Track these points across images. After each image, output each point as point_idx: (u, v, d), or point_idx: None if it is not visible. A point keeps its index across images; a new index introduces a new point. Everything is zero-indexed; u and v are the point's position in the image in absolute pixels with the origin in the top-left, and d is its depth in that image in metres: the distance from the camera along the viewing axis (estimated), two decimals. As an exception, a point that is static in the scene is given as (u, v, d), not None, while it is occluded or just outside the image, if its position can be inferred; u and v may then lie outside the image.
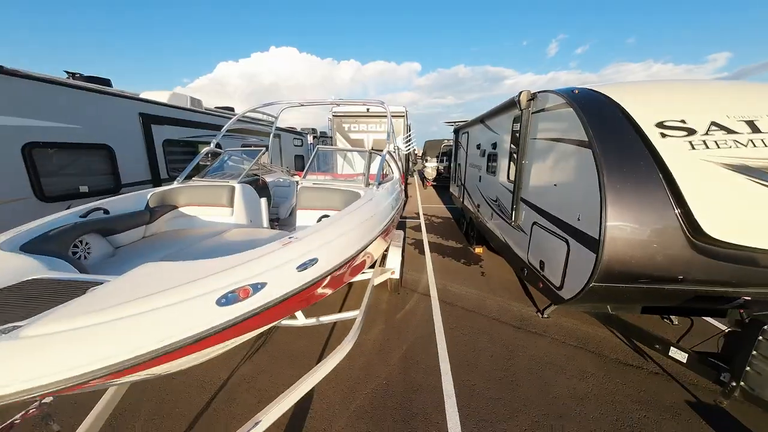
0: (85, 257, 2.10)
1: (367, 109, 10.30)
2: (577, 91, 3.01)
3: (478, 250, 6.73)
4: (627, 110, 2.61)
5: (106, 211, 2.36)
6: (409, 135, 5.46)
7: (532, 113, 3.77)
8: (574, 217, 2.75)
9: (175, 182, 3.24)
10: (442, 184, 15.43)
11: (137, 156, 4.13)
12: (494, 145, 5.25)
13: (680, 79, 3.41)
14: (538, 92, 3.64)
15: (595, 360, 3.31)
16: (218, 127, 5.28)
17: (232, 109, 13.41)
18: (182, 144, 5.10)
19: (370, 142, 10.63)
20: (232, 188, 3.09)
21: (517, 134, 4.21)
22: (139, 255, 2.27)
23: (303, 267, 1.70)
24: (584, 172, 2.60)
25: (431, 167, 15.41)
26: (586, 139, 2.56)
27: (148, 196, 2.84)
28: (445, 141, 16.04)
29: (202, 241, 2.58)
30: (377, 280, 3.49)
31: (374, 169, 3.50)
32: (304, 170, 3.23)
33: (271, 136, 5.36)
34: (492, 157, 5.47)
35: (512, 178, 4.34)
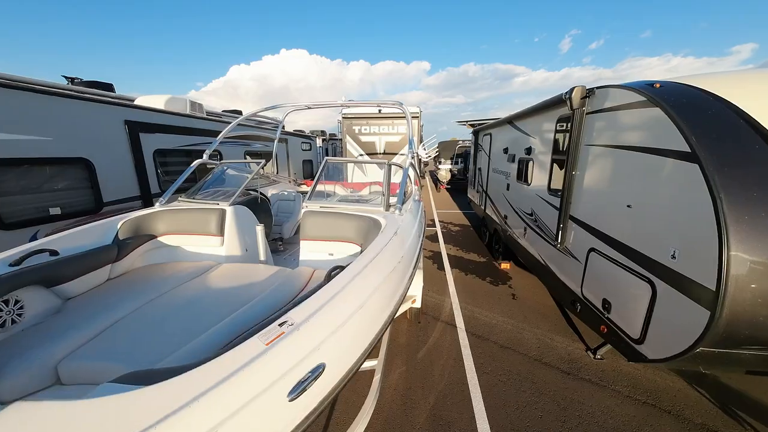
0: (14, 321, 1.56)
1: (379, 110, 9.70)
2: (659, 85, 2.31)
3: (505, 265, 6.04)
4: (742, 109, 1.91)
5: (53, 252, 1.81)
6: (432, 140, 4.75)
7: (587, 114, 3.09)
8: (664, 253, 2.07)
9: (157, 204, 2.70)
10: (456, 186, 14.72)
11: (123, 169, 3.64)
12: (528, 150, 4.56)
13: (721, 71, 2.65)
14: (597, 88, 2.95)
15: (676, 426, 2.60)
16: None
17: (240, 113, 13.00)
18: (178, 153, 4.59)
19: (382, 145, 10.02)
20: (223, 212, 2.52)
21: (565, 139, 3.53)
22: (93, 307, 1.73)
23: (299, 389, 1.01)
24: (685, 194, 1.92)
25: (445, 169, 14.69)
26: (689, 150, 1.88)
27: (119, 225, 2.29)
28: (460, 142, 15.33)
29: (180, 287, 2.02)
30: (397, 312, 2.89)
31: (389, 182, 2.88)
32: (310, 189, 2.63)
33: (276, 141, 4.82)
34: (525, 164, 4.78)
35: (556, 189, 3.65)
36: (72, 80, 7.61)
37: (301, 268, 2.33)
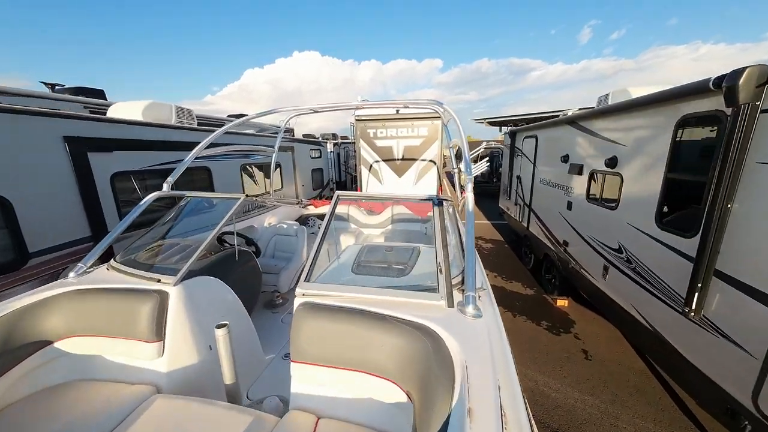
0: None
1: (397, 111, 8.55)
2: None
3: (562, 302, 4.81)
4: None
5: None
6: (485, 149, 3.42)
7: (763, 112, 1.87)
8: None
9: (72, 274, 1.69)
10: (479, 191, 13.39)
11: (62, 204, 2.66)
12: (612, 161, 3.33)
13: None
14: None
15: None
16: (218, 147, 3.78)
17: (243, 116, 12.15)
18: (152, 176, 3.60)
19: (400, 149, 8.89)
20: (162, 298, 1.49)
21: (693, 150, 2.32)
22: None
23: None
24: None
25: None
26: None
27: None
28: (484, 142, 13.98)
29: None
30: None
31: (446, 247, 1.70)
32: (308, 262, 1.48)
33: (276, 150, 3.75)
34: (604, 179, 3.56)
35: (677, 223, 2.45)
36: (52, 87, 6.85)
37: (293, 415, 1.26)
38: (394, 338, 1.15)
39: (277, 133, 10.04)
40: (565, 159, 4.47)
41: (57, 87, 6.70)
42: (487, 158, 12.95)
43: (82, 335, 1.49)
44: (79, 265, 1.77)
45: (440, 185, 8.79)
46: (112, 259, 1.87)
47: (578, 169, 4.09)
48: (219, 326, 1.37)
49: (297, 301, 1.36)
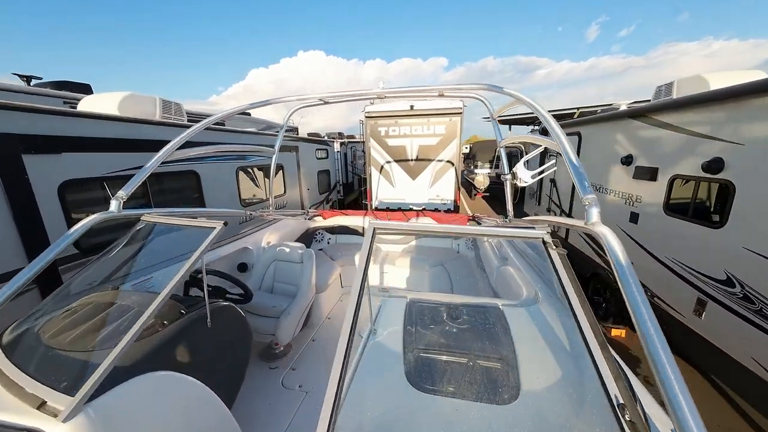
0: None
1: (411, 106, 7.77)
2: None
3: (617, 332, 4.00)
4: None
5: None
6: (534, 155, 2.74)
7: None
8: None
9: None
10: (495, 194, 12.57)
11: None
12: (715, 166, 2.52)
13: None
14: None
15: None
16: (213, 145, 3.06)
17: (248, 116, 11.38)
18: (118, 184, 2.88)
19: (414, 149, 8.12)
20: None
21: None
22: None
23: None
24: None
25: (483, 174, 12.58)
26: None
27: None
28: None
29: None
30: None
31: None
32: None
33: (276, 150, 3.01)
34: (697, 188, 2.77)
35: None
36: (28, 79, 6.18)
37: None
38: None
39: (289, 130, 9.28)
40: (627, 160, 3.66)
41: (34, 80, 6.03)
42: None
43: None
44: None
45: (458, 189, 8.00)
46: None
47: (650, 173, 3.29)
48: None
49: None
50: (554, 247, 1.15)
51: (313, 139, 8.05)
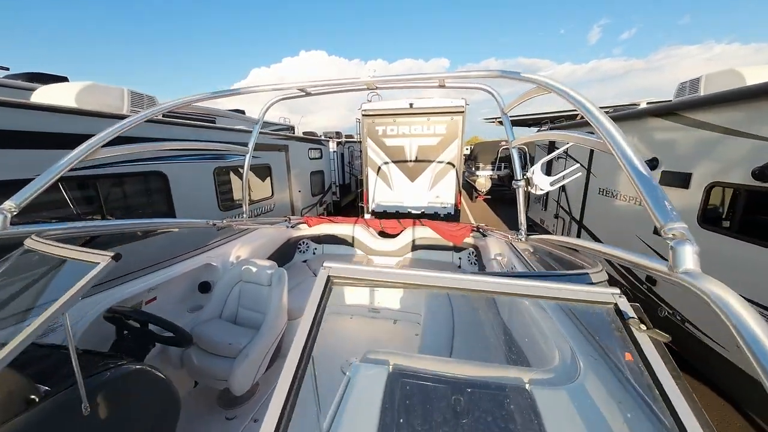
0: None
1: (410, 105, 7.36)
2: None
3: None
4: None
5: None
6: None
7: None
8: None
9: None
10: (496, 197, 12.13)
11: None
12: (771, 173, 2.09)
13: None
14: None
15: None
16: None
17: (242, 113, 10.92)
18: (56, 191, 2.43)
19: (413, 150, 7.70)
20: None
21: None
22: None
23: None
24: None
25: (484, 176, 12.13)
26: None
27: None
28: (503, 143, 12.69)
29: None
30: None
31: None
32: None
33: (250, 148, 2.55)
34: (746, 199, 2.33)
35: None
36: (-6, 70, 5.74)
37: None
38: None
39: (280, 129, 8.68)
40: (652, 164, 3.23)
41: (1, 71, 5.59)
42: (505, 160, 11.70)
43: None
44: None
45: (459, 192, 7.58)
46: None
47: (681, 180, 2.86)
48: None
49: None
50: (641, 327, 0.72)
51: (306, 137, 7.60)
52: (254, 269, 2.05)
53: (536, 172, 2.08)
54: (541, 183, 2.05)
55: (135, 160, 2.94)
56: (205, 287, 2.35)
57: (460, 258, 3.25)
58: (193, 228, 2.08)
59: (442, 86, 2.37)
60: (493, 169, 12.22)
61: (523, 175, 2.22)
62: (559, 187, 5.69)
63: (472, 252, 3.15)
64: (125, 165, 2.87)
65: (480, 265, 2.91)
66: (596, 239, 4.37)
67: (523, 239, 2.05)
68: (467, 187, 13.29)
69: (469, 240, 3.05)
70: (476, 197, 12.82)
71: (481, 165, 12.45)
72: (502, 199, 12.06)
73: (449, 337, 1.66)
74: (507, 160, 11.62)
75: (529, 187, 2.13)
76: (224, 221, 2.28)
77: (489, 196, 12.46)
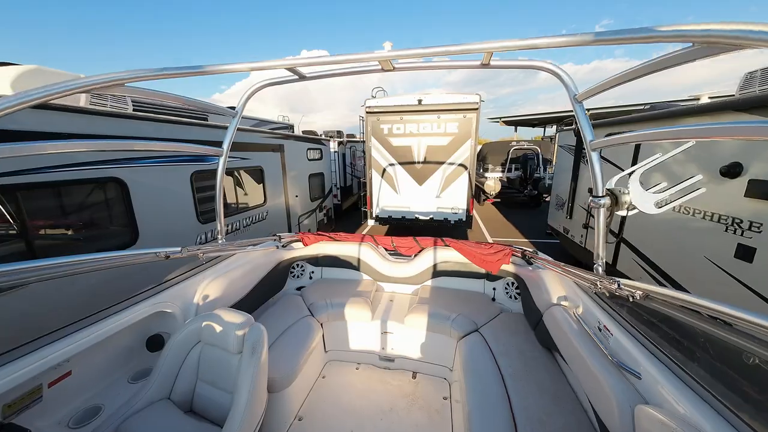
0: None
1: (419, 101, 6.72)
2: None
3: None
4: None
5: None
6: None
7: None
8: None
9: None
10: (507, 199, 11.49)
11: None
12: None
13: None
14: None
15: None
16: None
17: (233, 109, 10.26)
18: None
19: (422, 150, 7.06)
20: None
21: None
22: None
23: None
24: None
25: (494, 178, 11.50)
26: None
27: None
28: (514, 143, 12.02)
29: None
30: None
31: None
32: None
33: (226, 147, 1.92)
34: None
35: None
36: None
37: None
38: None
39: (276, 128, 7.94)
40: (733, 171, 2.59)
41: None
42: (517, 161, 11.06)
43: None
44: None
45: (472, 197, 6.93)
46: None
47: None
48: None
49: None
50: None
51: (304, 136, 6.95)
52: (218, 327, 1.41)
53: (633, 185, 1.45)
54: (642, 202, 1.41)
55: (80, 164, 2.29)
56: (155, 344, 1.71)
57: (494, 288, 2.61)
58: (138, 262, 1.44)
59: (485, 66, 1.72)
60: (503, 171, 11.57)
61: (604, 190, 1.57)
62: (588, 191, 5.04)
63: (512, 283, 2.51)
64: (64, 171, 2.22)
65: (525, 302, 2.27)
66: (641, 256, 3.72)
67: (609, 284, 1.37)
68: (475, 189, 12.68)
69: (507, 267, 2.42)
70: (485, 200, 12.18)
71: (490, 166, 11.80)
72: (511, 203, 11.42)
73: (496, 379, 1.02)
74: (518, 161, 10.97)
75: (621, 210, 1.49)
76: (183, 250, 1.63)
77: (498, 200, 11.81)
